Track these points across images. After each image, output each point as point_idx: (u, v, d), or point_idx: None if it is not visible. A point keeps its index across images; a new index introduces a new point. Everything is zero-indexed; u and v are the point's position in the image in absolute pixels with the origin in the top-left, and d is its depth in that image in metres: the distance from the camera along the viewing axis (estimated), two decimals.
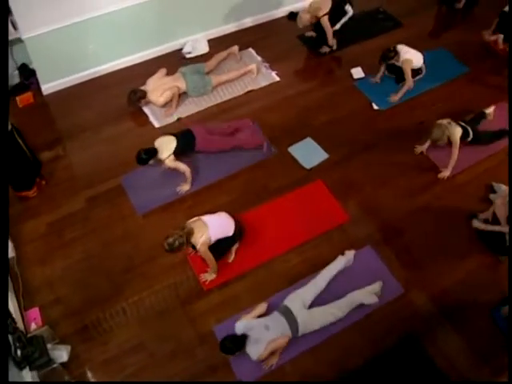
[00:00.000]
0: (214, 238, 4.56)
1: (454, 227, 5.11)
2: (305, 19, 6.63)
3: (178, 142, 5.27)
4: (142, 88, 6.17)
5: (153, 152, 5.21)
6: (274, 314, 4.28)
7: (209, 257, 4.56)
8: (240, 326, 4.18)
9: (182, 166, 5.31)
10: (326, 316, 4.36)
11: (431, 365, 4.23)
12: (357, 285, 4.60)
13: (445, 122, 5.35)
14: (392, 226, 5.16)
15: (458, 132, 5.32)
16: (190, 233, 4.43)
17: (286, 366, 4.29)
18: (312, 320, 4.31)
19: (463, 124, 5.49)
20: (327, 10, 6.58)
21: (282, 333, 4.15)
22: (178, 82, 6.23)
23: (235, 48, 6.85)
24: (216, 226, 4.59)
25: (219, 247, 4.70)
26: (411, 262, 4.90)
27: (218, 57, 6.72)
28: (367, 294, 4.51)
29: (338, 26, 6.88)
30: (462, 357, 4.31)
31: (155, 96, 6.14)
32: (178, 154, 5.31)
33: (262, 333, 4.11)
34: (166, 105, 6.24)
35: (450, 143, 5.34)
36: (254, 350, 4.09)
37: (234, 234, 4.71)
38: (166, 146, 5.25)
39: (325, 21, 6.64)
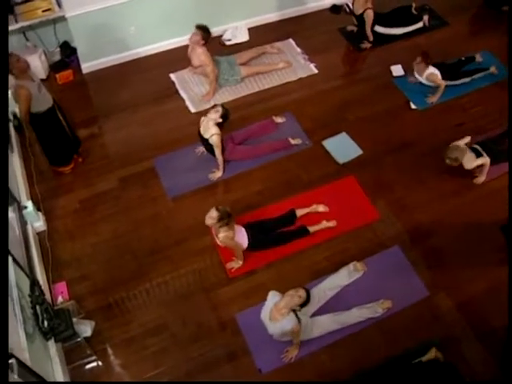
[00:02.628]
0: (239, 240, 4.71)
1: (484, 234, 5.01)
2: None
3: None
4: None
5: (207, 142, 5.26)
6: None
7: (235, 244, 4.62)
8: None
9: (219, 150, 5.29)
10: (325, 328, 4.34)
11: (454, 371, 4.17)
12: (382, 284, 4.58)
13: (462, 144, 5.24)
14: (421, 228, 5.10)
15: (469, 160, 5.19)
16: (230, 222, 4.50)
17: (305, 359, 4.29)
18: (312, 328, 4.29)
19: (477, 147, 5.34)
20: (370, 4, 6.57)
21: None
22: (212, 65, 6.22)
23: (268, 47, 6.81)
24: (238, 236, 4.68)
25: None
26: (438, 266, 4.84)
27: (251, 53, 6.68)
28: (370, 310, 4.45)
29: (399, 31, 6.90)
30: (483, 366, 4.24)
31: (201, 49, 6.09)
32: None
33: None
34: (198, 68, 6.26)
35: None
36: (291, 318, 4.01)
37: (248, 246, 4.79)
38: (210, 129, 5.22)
39: (369, 14, 6.60)
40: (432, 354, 4.16)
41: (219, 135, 5.19)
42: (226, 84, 6.38)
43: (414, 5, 7.11)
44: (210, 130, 5.19)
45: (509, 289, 4.35)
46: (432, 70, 6.00)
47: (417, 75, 6.19)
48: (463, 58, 6.44)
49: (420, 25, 7.06)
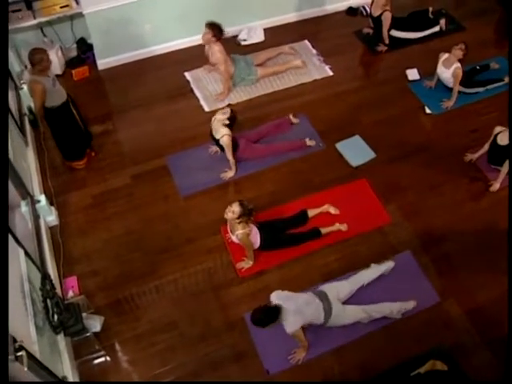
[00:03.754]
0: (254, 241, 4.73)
1: (497, 242, 4.95)
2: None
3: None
4: None
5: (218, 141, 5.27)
6: (310, 295, 4.22)
7: (249, 243, 4.64)
8: (279, 295, 4.07)
9: (230, 150, 5.29)
10: (355, 316, 4.31)
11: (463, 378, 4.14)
12: (393, 289, 4.56)
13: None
14: (433, 234, 5.07)
15: None
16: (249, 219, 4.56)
17: (312, 362, 4.28)
18: (343, 315, 4.26)
19: None
20: (388, 6, 6.57)
21: (317, 315, 4.12)
22: (229, 64, 6.21)
23: (286, 48, 6.80)
24: (253, 234, 4.70)
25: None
26: (450, 272, 4.80)
27: (268, 53, 6.68)
28: (396, 310, 4.42)
29: (416, 36, 6.95)
30: (492, 373, 4.19)
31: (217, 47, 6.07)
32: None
33: (303, 306, 4.03)
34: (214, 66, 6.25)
35: None
36: (293, 321, 3.94)
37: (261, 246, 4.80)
38: (220, 129, 5.22)
39: (387, 16, 6.60)
40: (429, 366, 4.13)
41: (230, 136, 5.19)
42: (241, 83, 6.38)
43: (430, 9, 7.09)
44: (220, 130, 5.20)
45: (509, 289, 4.32)
46: (459, 64, 5.94)
47: (442, 68, 6.06)
48: (478, 67, 6.40)
49: (437, 29, 7.05)
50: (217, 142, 5.30)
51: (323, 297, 4.21)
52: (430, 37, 7.04)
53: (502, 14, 7.42)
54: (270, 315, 3.87)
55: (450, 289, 4.68)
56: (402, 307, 4.43)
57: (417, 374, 4.11)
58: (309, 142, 5.73)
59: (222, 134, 5.18)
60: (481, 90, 6.28)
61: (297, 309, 3.98)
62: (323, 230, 4.95)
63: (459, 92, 6.08)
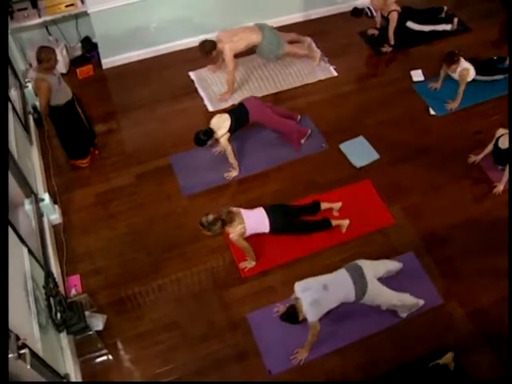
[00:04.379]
0: (248, 233, 4.65)
1: (501, 244, 4.92)
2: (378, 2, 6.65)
3: (232, 119, 5.23)
4: (212, 39, 5.99)
5: (210, 132, 5.18)
6: (340, 272, 4.14)
7: (243, 245, 4.62)
8: (298, 287, 4.03)
9: (230, 149, 5.29)
10: (391, 297, 4.21)
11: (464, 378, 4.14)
12: (396, 290, 4.52)
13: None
14: (437, 235, 5.06)
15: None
16: (229, 221, 4.51)
17: (315, 362, 4.27)
18: (380, 292, 4.15)
19: None
20: (397, 6, 6.57)
21: (344, 294, 4.03)
22: (254, 33, 6.08)
23: (308, 39, 6.76)
24: (253, 222, 4.64)
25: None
26: (453, 274, 4.79)
27: (291, 36, 6.62)
28: (409, 305, 4.40)
29: (429, 28, 6.94)
30: (494, 376, 4.18)
31: (233, 42, 5.98)
32: (234, 131, 5.29)
33: (319, 293, 3.95)
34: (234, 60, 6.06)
35: None
36: (312, 312, 3.90)
37: (272, 229, 4.75)
38: (222, 124, 5.21)
39: (394, 16, 6.61)
40: (449, 358, 4.14)
41: (228, 136, 5.21)
42: (269, 55, 6.31)
43: (445, 8, 7.10)
44: (222, 128, 5.18)
45: (509, 290, 4.32)
46: (466, 65, 5.92)
47: (451, 74, 6.09)
48: (495, 57, 6.39)
49: (448, 27, 7.03)
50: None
51: (357, 272, 4.08)
52: (439, 36, 7.02)
53: (508, 15, 7.40)
54: (292, 311, 3.95)
55: (453, 290, 4.67)
56: (415, 303, 4.40)
57: (436, 364, 4.12)
58: (302, 140, 5.76)
59: (222, 133, 5.19)
60: (501, 77, 6.27)
61: (312, 300, 3.91)
62: (334, 223, 4.96)
63: (480, 81, 6.03)
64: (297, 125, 5.75)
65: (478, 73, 6.02)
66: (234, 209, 4.66)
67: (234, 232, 4.54)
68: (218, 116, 5.32)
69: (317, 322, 3.96)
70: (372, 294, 4.09)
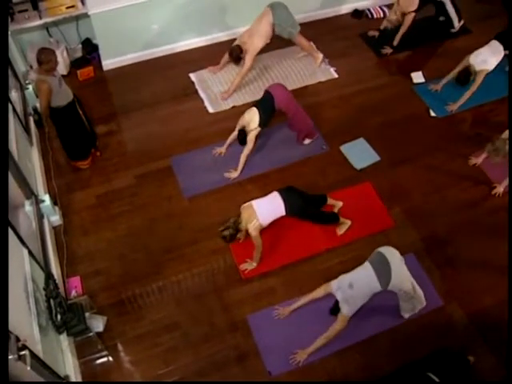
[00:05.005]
0: (265, 223, 4.62)
1: (501, 246, 4.91)
2: (394, 20, 6.64)
3: (259, 112, 5.23)
4: (237, 43, 6.10)
5: (243, 132, 5.27)
6: (364, 266, 4.13)
7: (258, 243, 4.61)
8: (334, 286, 4.07)
9: (251, 147, 5.30)
10: (409, 282, 4.17)
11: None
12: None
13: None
14: (437, 237, 5.06)
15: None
16: (239, 221, 4.54)
17: (315, 363, 4.28)
18: (404, 277, 4.12)
19: None
20: (416, 7, 6.52)
21: (370, 289, 4.03)
22: (267, 22, 6.07)
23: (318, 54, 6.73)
24: (265, 211, 4.60)
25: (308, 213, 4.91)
26: (453, 276, 4.80)
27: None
28: (419, 300, 4.39)
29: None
30: (495, 377, 4.19)
31: (253, 43, 6.04)
32: (264, 125, 5.31)
33: (346, 292, 3.99)
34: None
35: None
36: (344, 308, 3.98)
37: (288, 212, 4.70)
38: (253, 118, 5.23)
39: (409, 19, 6.60)
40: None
41: (257, 132, 5.25)
42: (282, 32, 6.23)
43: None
44: (252, 123, 5.20)
45: (509, 291, 4.32)
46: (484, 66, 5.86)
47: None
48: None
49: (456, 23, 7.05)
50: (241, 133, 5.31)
51: (380, 260, 4.07)
52: (436, 38, 7.04)
53: (509, 18, 7.40)
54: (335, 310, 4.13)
55: (454, 292, 4.68)
56: (423, 300, 4.40)
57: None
58: (307, 141, 5.78)
59: (255, 126, 5.20)
60: None
61: (342, 299, 3.99)
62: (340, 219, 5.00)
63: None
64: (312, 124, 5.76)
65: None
66: (244, 205, 4.66)
67: (250, 228, 4.55)
68: (247, 111, 5.31)
69: (347, 317, 4.00)
70: (396, 279, 4.04)
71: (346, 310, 3.97)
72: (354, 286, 4.00)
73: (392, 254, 4.10)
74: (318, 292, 4.18)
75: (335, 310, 4.15)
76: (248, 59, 6.03)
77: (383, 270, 4.02)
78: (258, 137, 5.32)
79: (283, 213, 4.68)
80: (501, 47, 5.90)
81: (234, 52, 6.04)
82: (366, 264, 4.13)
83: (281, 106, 5.38)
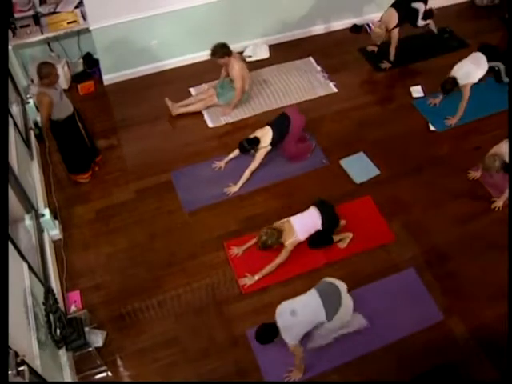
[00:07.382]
0: (303, 238, 4.74)
1: (501, 259, 4.90)
2: (381, 33, 6.61)
3: (273, 131, 5.30)
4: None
5: (256, 142, 5.27)
6: (310, 293, 4.04)
7: (285, 257, 4.71)
8: (276, 312, 3.95)
9: (257, 164, 5.37)
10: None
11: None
12: (396, 306, 4.54)
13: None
14: (437, 251, 5.05)
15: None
16: (281, 233, 4.62)
17: (315, 379, 4.24)
18: (349, 311, 4.06)
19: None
20: (396, 22, 6.55)
21: (314, 315, 3.92)
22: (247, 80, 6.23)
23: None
24: (303, 226, 4.70)
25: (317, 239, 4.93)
26: (453, 290, 4.78)
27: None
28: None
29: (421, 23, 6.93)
30: None
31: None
32: (275, 144, 5.37)
33: (288, 320, 3.85)
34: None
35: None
36: (285, 337, 3.84)
37: (324, 226, 4.76)
38: (265, 136, 5.29)
39: (394, 34, 6.64)
40: None
41: (267, 150, 5.32)
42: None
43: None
44: (265, 140, 5.27)
45: (509, 292, 4.30)
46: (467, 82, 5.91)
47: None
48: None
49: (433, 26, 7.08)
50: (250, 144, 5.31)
51: (331, 291, 4.01)
52: (434, 54, 7.09)
53: (505, 32, 7.46)
54: (266, 333, 3.91)
55: (454, 306, 4.66)
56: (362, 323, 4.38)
57: None
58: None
59: (267, 144, 5.28)
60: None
61: (282, 327, 3.85)
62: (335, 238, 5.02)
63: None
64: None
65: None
66: (280, 221, 4.74)
67: (289, 242, 4.63)
68: (260, 129, 5.36)
69: (296, 345, 3.89)
70: (341, 316, 3.97)
71: (289, 340, 3.84)
72: (298, 313, 3.87)
73: (343, 288, 4.06)
74: None
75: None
76: (237, 84, 6.09)
77: (331, 302, 3.95)
78: (266, 155, 5.36)
79: (318, 227, 4.75)
80: (483, 58, 5.94)
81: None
82: (313, 291, 4.04)
83: (295, 130, 5.45)
